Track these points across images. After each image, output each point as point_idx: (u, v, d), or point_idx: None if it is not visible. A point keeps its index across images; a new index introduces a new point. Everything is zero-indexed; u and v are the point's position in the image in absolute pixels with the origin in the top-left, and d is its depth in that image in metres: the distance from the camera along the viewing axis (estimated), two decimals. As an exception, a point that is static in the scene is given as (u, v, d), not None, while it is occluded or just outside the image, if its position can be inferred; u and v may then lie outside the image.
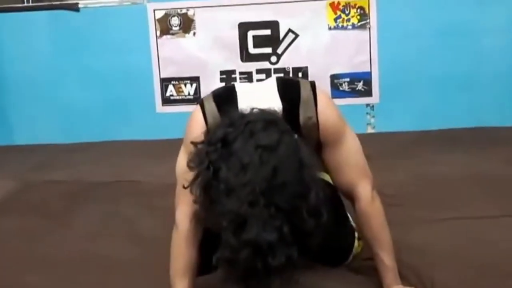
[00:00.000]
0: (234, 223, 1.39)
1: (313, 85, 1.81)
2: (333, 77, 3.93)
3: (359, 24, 3.87)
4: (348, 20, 3.88)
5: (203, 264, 1.77)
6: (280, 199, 1.40)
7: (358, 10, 3.85)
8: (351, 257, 2.02)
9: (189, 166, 1.52)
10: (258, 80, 3.64)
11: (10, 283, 2.06)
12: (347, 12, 3.86)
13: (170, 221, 1.83)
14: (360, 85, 3.94)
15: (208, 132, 1.58)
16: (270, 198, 1.39)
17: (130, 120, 4.08)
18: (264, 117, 1.52)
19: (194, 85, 4.00)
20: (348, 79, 3.94)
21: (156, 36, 3.98)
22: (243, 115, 1.54)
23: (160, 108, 4.06)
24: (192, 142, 1.56)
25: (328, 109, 1.79)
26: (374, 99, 3.96)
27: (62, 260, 2.22)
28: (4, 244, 2.43)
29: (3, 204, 2.92)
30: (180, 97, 4.03)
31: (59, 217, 2.68)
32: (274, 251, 1.38)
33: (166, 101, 4.05)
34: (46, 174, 3.34)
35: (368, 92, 3.95)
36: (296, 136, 1.57)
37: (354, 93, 3.95)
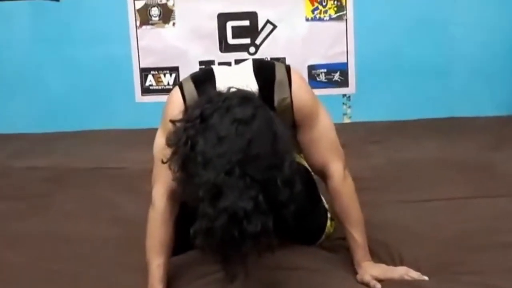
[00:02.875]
0: (211, 193, 1.43)
1: (288, 67, 1.86)
2: (310, 68, 3.99)
3: (336, 15, 3.93)
4: (325, 11, 3.93)
5: (178, 244, 1.84)
6: (255, 170, 1.44)
7: (335, 2, 3.90)
8: (323, 236, 2.09)
9: (168, 144, 1.56)
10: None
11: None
12: (324, 3, 3.91)
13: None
14: (336, 76, 4.00)
15: (186, 110, 1.61)
16: (246, 169, 1.43)
17: (109, 109, 4.09)
18: (240, 94, 1.57)
19: (174, 75, 4.04)
20: (325, 70, 4.00)
21: (136, 26, 4.00)
22: (220, 93, 1.59)
23: (139, 97, 4.10)
24: (171, 121, 1.60)
25: (302, 90, 1.84)
26: (351, 89, 4.02)
27: (43, 240, 2.26)
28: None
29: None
30: (160, 87, 4.06)
31: (39, 200, 2.70)
32: (250, 219, 1.42)
33: (146, 90, 4.08)
34: (26, 161, 3.35)
35: (344, 83, 4.02)
36: (271, 111, 1.62)
37: (330, 83, 4.01)
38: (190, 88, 1.83)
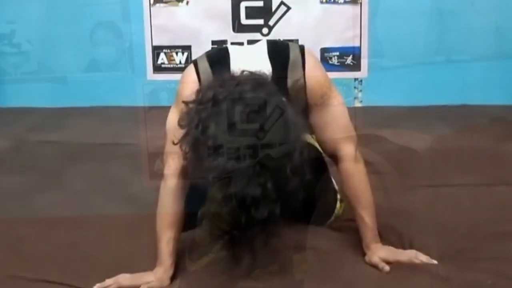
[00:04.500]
0: (220, 178, 1.45)
1: (302, 48, 1.86)
2: (323, 51, 3.97)
3: (350, -2, 3.91)
4: (340, -6, 3.92)
5: (188, 220, 1.84)
6: (265, 157, 1.45)
7: (350, -15, 3.89)
8: (333, 217, 2.09)
9: (180, 125, 1.57)
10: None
11: (6, 235, 2.11)
12: (339, -14, 3.90)
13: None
14: (349, 60, 3.99)
15: (199, 91, 1.61)
16: (256, 156, 1.44)
17: (121, 86, 4.11)
18: (253, 79, 1.57)
19: (186, 54, 4.03)
20: (337, 53, 3.98)
21: (150, 4, 3.99)
22: (233, 77, 1.60)
23: (151, 75, 4.10)
24: (183, 101, 1.61)
25: (315, 71, 1.84)
26: (363, 73, 4.01)
27: (57, 216, 2.27)
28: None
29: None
30: (172, 65, 4.06)
31: (52, 175, 2.73)
32: (258, 205, 1.44)
33: (157, 68, 4.07)
34: (40, 135, 3.39)
35: (356, 67, 4.00)
36: (283, 98, 1.62)
37: (343, 67, 3.99)
38: (205, 67, 1.83)
